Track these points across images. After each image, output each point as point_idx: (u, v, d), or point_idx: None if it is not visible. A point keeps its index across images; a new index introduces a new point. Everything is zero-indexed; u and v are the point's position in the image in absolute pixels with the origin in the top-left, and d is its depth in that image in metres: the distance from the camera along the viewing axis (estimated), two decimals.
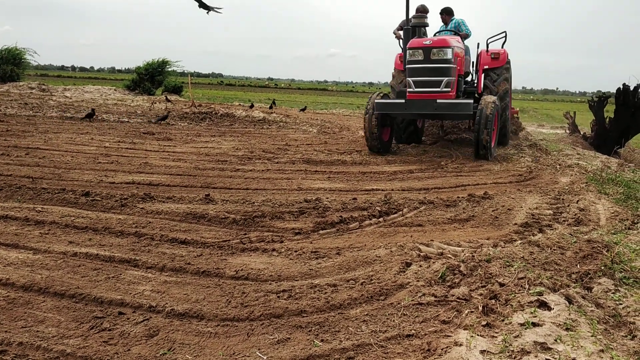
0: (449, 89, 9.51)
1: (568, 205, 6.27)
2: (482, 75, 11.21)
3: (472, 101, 9.33)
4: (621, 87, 13.56)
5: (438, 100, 9.20)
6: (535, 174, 8.48)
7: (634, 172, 9.04)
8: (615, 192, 7.08)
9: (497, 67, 11.15)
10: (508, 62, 11.34)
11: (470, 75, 11.69)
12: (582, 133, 15.40)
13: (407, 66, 9.83)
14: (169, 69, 27.03)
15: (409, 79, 9.71)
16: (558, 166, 9.29)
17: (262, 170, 8.05)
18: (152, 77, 25.98)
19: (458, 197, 6.53)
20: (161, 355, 2.77)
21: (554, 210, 6.08)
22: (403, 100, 9.58)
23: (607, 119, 14.02)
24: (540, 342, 2.73)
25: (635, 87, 13.41)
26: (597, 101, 14.33)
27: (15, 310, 3.22)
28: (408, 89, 9.74)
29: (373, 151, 10.21)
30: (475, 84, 11.40)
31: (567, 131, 16.32)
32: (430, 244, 4.59)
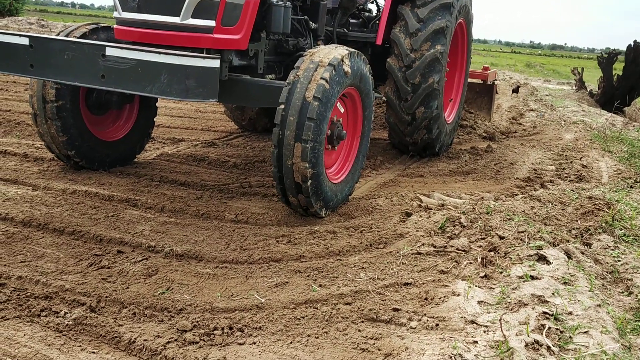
0: (211, 22, 3.70)
1: (571, 162, 6.23)
2: (388, 10, 5.47)
3: (216, 64, 3.32)
4: (632, 44, 13.28)
5: (109, 52, 3.28)
6: (539, 130, 8.39)
7: (639, 131, 8.95)
8: (619, 150, 7.03)
9: None
10: None
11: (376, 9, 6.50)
12: (588, 90, 15.17)
13: None
14: None
15: None
16: (563, 122, 9.18)
17: None
18: None
19: (460, 149, 6.48)
20: (160, 294, 2.78)
21: (557, 166, 6.04)
22: (26, 42, 3.54)
23: (615, 77, 13.79)
24: (538, 295, 2.74)
25: None
26: (607, 58, 14.05)
27: (15, 244, 3.22)
28: (115, 14, 4.16)
29: (67, 163, 4.59)
30: (377, 27, 5.66)
31: (574, 87, 16.06)
32: (431, 195, 4.57)
